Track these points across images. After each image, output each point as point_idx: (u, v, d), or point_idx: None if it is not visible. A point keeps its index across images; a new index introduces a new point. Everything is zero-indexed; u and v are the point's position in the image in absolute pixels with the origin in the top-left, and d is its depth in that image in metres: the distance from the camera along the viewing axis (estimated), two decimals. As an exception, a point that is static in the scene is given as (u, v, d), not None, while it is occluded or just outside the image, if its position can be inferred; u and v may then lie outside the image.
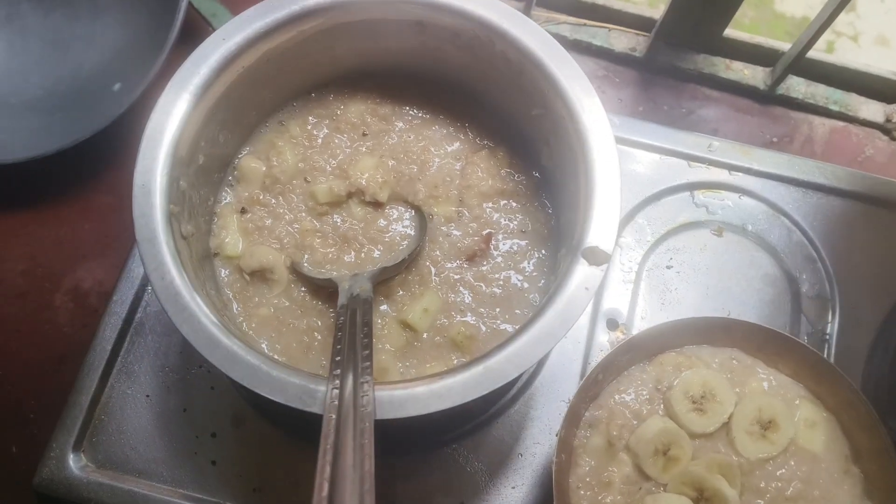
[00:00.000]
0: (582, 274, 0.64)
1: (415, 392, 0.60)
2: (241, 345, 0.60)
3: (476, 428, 0.84)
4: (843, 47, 1.90)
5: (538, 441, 0.83)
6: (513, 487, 0.82)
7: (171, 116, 0.67)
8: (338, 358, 0.61)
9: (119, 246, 0.95)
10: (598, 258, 0.64)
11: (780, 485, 0.72)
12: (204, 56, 0.69)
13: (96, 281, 0.94)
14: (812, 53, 1.09)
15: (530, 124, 0.77)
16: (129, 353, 0.85)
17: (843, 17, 2.32)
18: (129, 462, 0.80)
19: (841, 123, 1.13)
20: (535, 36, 0.71)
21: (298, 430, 0.81)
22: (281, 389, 0.59)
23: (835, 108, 1.11)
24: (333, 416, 0.56)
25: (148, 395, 0.83)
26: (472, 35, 0.73)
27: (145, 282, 0.87)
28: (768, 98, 1.12)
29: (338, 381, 0.58)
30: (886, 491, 0.71)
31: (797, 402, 0.75)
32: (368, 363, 0.61)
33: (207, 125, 0.71)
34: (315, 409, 0.58)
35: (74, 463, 0.79)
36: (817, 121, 1.13)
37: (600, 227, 0.65)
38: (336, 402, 0.57)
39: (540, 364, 0.87)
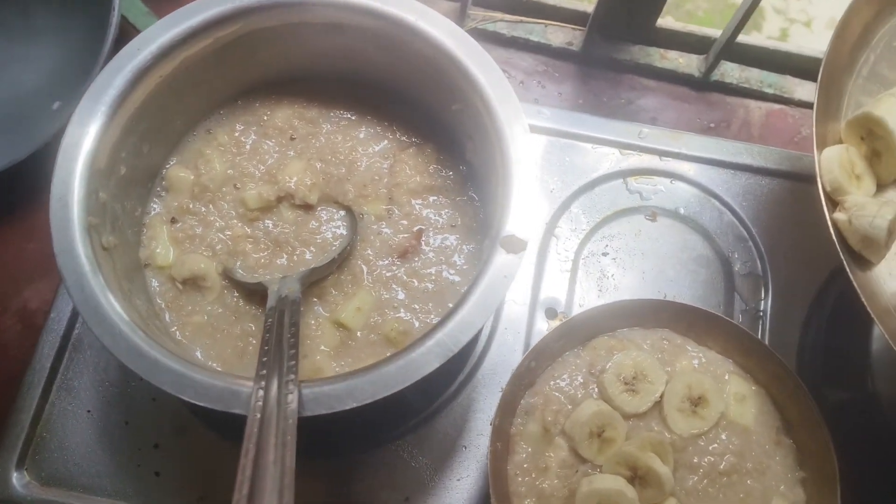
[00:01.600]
0: (500, 262, 0.65)
1: (337, 388, 0.61)
2: (164, 351, 0.61)
3: (420, 423, 0.84)
4: (797, 33, 1.94)
5: (481, 432, 0.84)
6: (458, 479, 0.82)
7: (87, 129, 0.67)
8: (264, 359, 0.62)
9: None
10: (515, 246, 0.65)
11: (713, 459, 0.73)
12: (118, 67, 0.69)
13: (43, 301, 0.94)
14: (744, 38, 1.11)
15: (453, 120, 0.78)
16: (69, 369, 0.84)
17: (795, 4, 2.37)
18: (72, 478, 0.80)
19: (777, 106, 1.15)
20: (449, 32, 0.73)
21: (241, 436, 0.81)
22: (205, 393, 0.60)
23: (769, 90, 1.14)
24: (258, 416, 0.57)
25: (89, 410, 0.83)
26: (390, 35, 0.74)
27: (82, 297, 0.86)
28: (704, 85, 1.14)
29: (263, 383, 0.59)
30: (817, 459, 0.73)
31: (727, 377, 0.76)
32: (294, 362, 0.61)
33: (127, 136, 0.71)
34: (238, 410, 0.59)
35: (17, 481, 0.79)
36: (753, 104, 1.15)
37: (517, 216, 0.66)
38: (260, 403, 0.58)
39: (481, 356, 0.88)
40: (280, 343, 0.63)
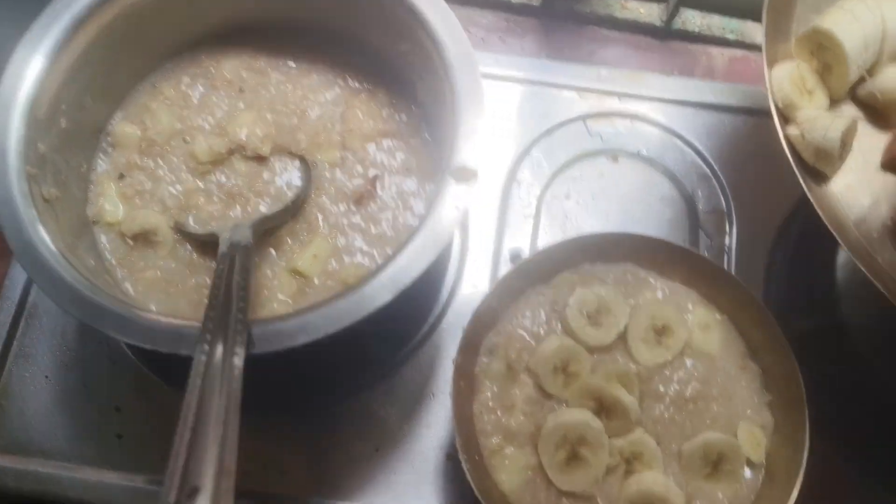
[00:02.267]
0: (451, 193, 0.64)
1: (289, 325, 0.59)
2: (108, 296, 0.59)
3: (386, 373, 0.83)
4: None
5: (449, 380, 0.82)
6: (427, 427, 0.81)
7: (24, 77, 0.65)
8: (214, 302, 0.60)
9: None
10: (465, 176, 0.64)
11: (678, 387, 0.72)
12: (55, 14, 0.68)
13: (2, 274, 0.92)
14: (704, -17, 1.10)
15: (403, 62, 0.77)
16: (25, 335, 0.83)
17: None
18: (32, 444, 0.79)
19: (739, 52, 1.14)
20: (395, -31, 0.71)
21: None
22: (151, 336, 0.58)
23: (731, 36, 1.13)
24: (203, 359, 0.54)
25: (47, 376, 0.81)
26: (332, -26, 0.73)
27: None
28: (666, 33, 1.13)
29: (211, 324, 0.57)
30: (783, 380, 0.72)
31: (690, 307, 0.76)
32: (243, 304, 0.60)
33: (68, 86, 0.69)
34: (185, 351, 0.57)
35: (-25, 451, 0.78)
36: (716, 51, 1.14)
37: (466, 146, 0.65)
38: (206, 346, 0.54)
39: (446, 304, 0.87)
40: (229, 288, 0.62)
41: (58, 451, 0.78)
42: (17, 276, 0.85)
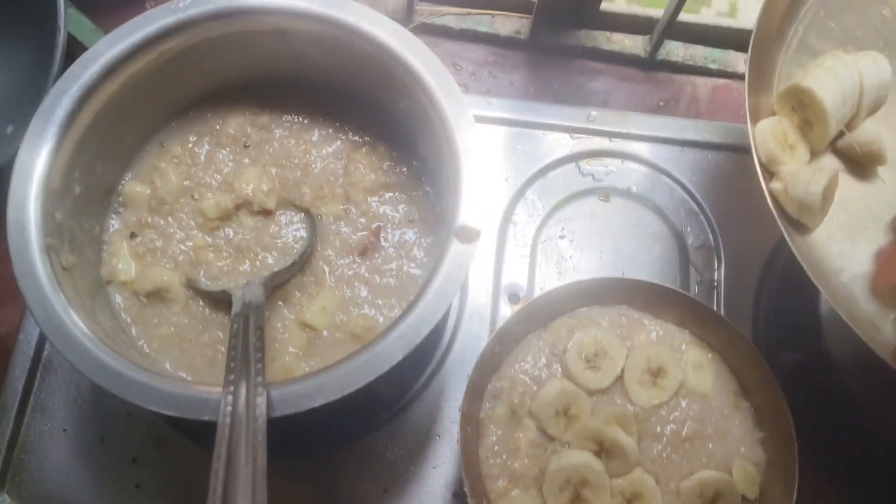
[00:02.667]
0: (455, 252, 0.67)
1: (305, 387, 0.62)
2: (130, 364, 0.62)
3: (393, 416, 0.86)
4: (745, 7, 1.97)
5: (454, 420, 0.86)
6: (434, 467, 0.84)
7: (38, 152, 0.67)
8: (232, 364, 0.63)
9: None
10: (468, 236, 0.67)
11: (675, 427, 0.76)
12: (64, 89, 0.70)
13: (11, 325, 0.94)
14: (687, 17, 1.14)
15: (403, 117, 0.80)
16: (42, 389, 0.85)
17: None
18: (52, 497, 0.81)
19: (722, 80, 1.18)
20: (390, 31, 0.74)
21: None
22: (173, 403, 0.61)
23: (714, 66, 1.17)
24: (228, 420, 0.58)
25: (65, 430, 0.84)
26: (332, 37, 0.76)
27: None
28: (650, 64, 1.16)
29: (231, 388, 0.60)
30: (774, 418, 0.76)
31: (684, 347, 0.79)
32: (261, 365, 0.63)
33: (79, 156, 0.71)
34: (207, 417, 0.60)
35: (-2, 505, 0.80)
36: (699, 80, 1.18)
37: (468, 207, 0.68)
38: (230, 408, 0.59)
39: (448, 346, 0.90)
40: (246, 348, 0.65)
41: (78, 503, 0.81)
42: (31, 329, 0.87)
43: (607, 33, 1.17)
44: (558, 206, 0.97)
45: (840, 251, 0.69)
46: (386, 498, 0.83)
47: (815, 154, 0.72)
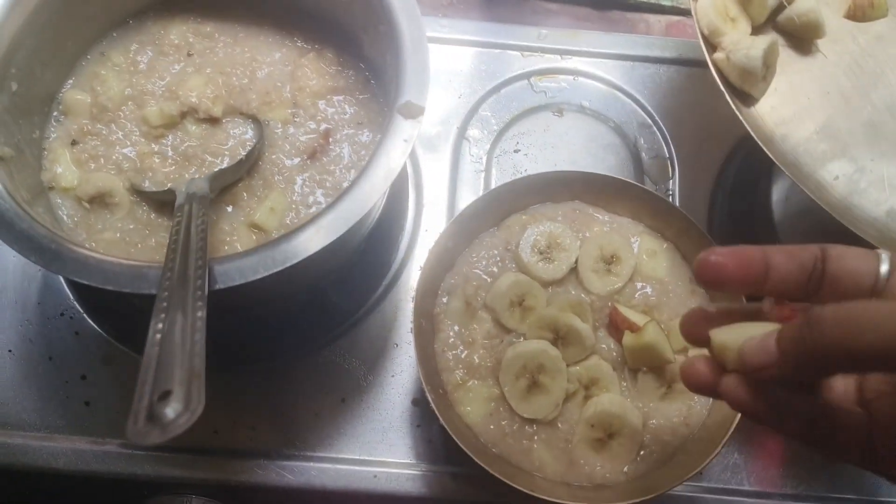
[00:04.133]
0: (399, 127, 0.66)
1: (247, 261, 0.61)
2: (67, 242, 0.60)
3: (350, 327, 0.85)
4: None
5: (412, 326, 0.85)
6: (392, 376, 0.83)
7: (-30, 38, 0.66)
8: (172, 257, 0.60)
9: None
10: (412, 111, 0.67)
11: (630, 313, 0.75)
12: (-4, -21, 0.68)
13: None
14: (636, -44, 1.15)
15: (347, 16, 0.79)
16: (-15, 311, 0.83)
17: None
18: (0, 417, 0.79)
19: (675, 17, 1.18)
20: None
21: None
22: (113, 278, 0.59)
23: (667, 3, 1.17)
24: (161, 323, 0.52)
25: (10, 350, 0.81)
26: (275, -68, 0.75)
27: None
28: (603, 3, 1.17)
29: (172, 265, 0.58)
30: (727, 301, 0.76)
31: (637, 237, 0.79)
32: (203, 244, 0.61)
33: (16, 51, 0.70)
34: (149, 290, 0.58)
35: (-60, 426, 0.77)
36: (653, 18, 1.18)
37: (411, 84, 0.68)
38: (168, 283, 0.55)
39: (404, 259, 0.89)
40: (188, 234, 0.63)
41: (27, 423, 0.79)
42: (-26, 254, 0.85)
43: (560, -27, 1.17)
44: (512, 122, 0.97)
45: (783, 120, 0.69)
46: (344, 407, 0.82)
47: (756, 28, 0.73)
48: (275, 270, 0.61)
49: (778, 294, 0.48)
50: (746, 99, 0.70)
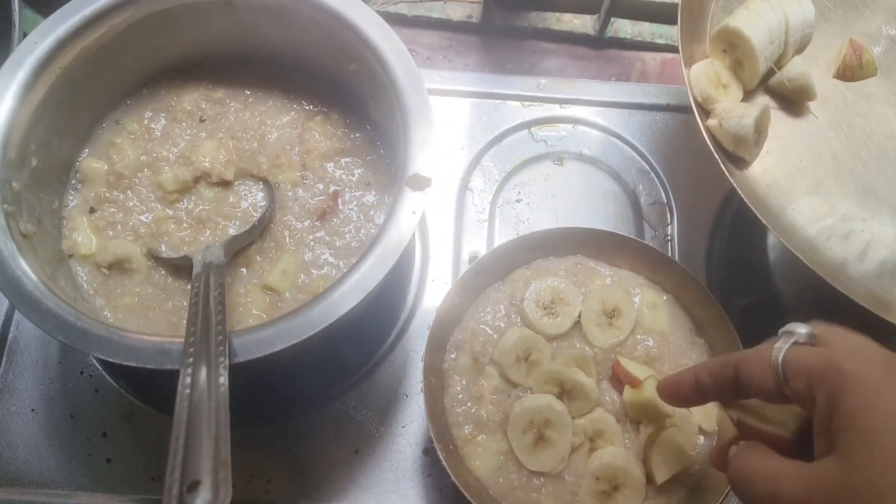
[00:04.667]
0: (408, 200, 0.69)
1: (266, 333, 0.64)
2: (91, 320, 0.63)
3: (360, 379, 0.88)
4: None
5: (421, 380, 0.87)
6: (403, 426, 0.86)
7: (-5, 120, 0.69)
8: (193, 318, 0.64)
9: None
10: (420, 184, 0.69)
11: (633, 366, 0.78)
12: (18, 62, 0.71)
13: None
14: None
15: (354, 82, 0.82)
16: (8, 371, 0.85)
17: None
18: (24, 475, 0.81)
19: (670, 55, 1.21)
20: (336, -4, 0.76)
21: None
22: (136, 354, 0.62)
23: (661, 41, 1.20)
24: (185, 403, 0.55)
25: (33, 409, 0.84)
26: (280, 5, 0.78)
27: (12, 300, 0.88)
28: (600, 42, 1.20)
29: (193, 339, 0.61)
30: (727, 351, 0.78)
31: (638, 290, 0.82)
32: (221, 316, 0.64)
33: (35, 128, 0.73)
34: (172, 366, 0.61)
35: (-33, 486, 0.80)
36: (648, 56, 1.21)
37: (419, 156, 0.70)
38: (188, 390, 0.56)
39: (412, 310, 0.92)
40: (207, 305, 0.66)
41: (50, 480, 0.81)
42: (-5, 313, 0.88)
43: (557, 14, 1.20)
44: (514, 172, 0.99)
45: (775, 182, 0.72)
46: (357, 458, 0.84)
47: (747, 93, 0.76)
48: (292, 343, 0.63)
49: (716, 400, 0.61)
50: (739, 162, 0.72)
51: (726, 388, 0.57)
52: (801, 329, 0.54)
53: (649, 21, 1.21)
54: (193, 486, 0.47)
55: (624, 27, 1.20)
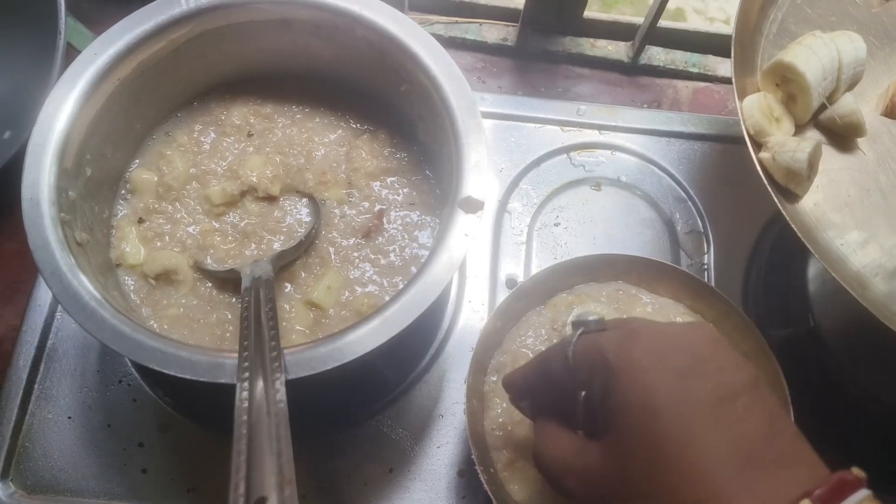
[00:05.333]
0: (460, 222, 0.69)
1: (318, 351, 0.64)
2: (146, 332, 0.63)
3: (396, 398, 0.88)
4: (717, 29, 2.06)
5: (457, 401, 0.88)
6: (438, 447, 0.86)
7: (53, 130, 0.69)
8: (245, 332, 0.64)
9: (28, 289, 0.95)
10: (473, 206, 0.70)
11: (674, 395, 0.78)
12: (79, 72, 0.72)
13: (9, 327, 0.94)
14: (666, 23, 1.19)
15: (403, 102, 0.83)
16: (46, 378, 0.85)
17: (713, 4, 2.51)
18: (59, 483, 0.81)
19: (702, 84, 1.22)
20: (389, 16, 0.77)
21: (224, 425, 0.83)
22: (190, 367, 0.62)
23: (694, 70, 1.21)
24: (245, 418, 0.55)
25: (70, 417, 0.84)
26: (333, 25, 0.79)
27: (54, 307, 0.88)
28: (633, 69, 1.21)
29: (246, 353, 0.61)
30: (769, 385, 0.78)
31: (679, 318, 0.82)
32: (274, 331, 0.64)
33: (91, 138, 0.73)
34: (225, 380, 0.61)
35: (3, 492, 0.80)
36: (681, 84, 1.22)
37: (471, 179, 0.71)
38: (246, 404, 0.57)
39: (448, 331, 0.92)
40: (259, 320, 0.66)
41: (85, 489, 0.81)
42: (35, 320, 0.88)
43: (591, 40, 1.21)
44: (552, 196, 1.00)
45: (827, 218, 0.72)
46: (391, 477, 0.84)
47: (799, 127, 0.76)
48: (343, 362, 0.63)
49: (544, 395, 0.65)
50: (790, 196, 0.73)
51: (547, 384, 0.62)
52: (591, 317, 0.59)
53: (682, 50, 1.22)
54: (260, 502, 0.47)
55: (657, 55, 1.21)
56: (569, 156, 1.02)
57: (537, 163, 1.02)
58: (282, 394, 0.58)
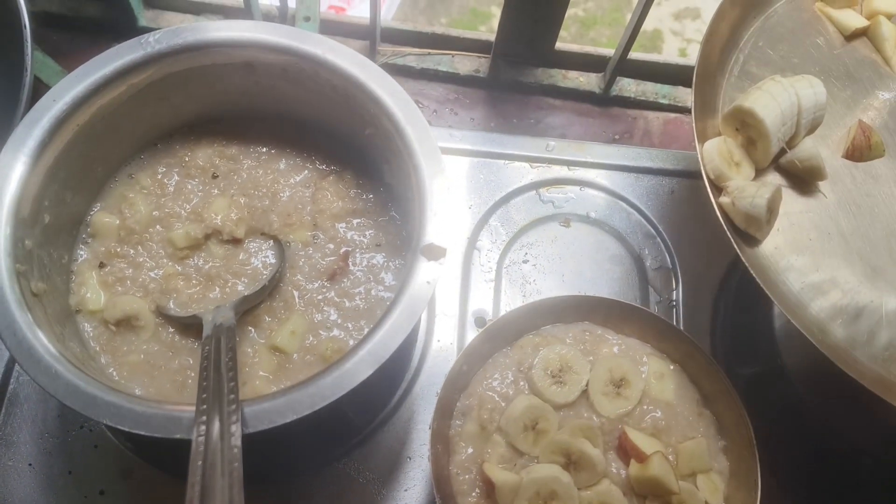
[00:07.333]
0: (422, 269, 0.69)
1: (277, 403, 0.63)
2: (100, 385, 0.62)
3: (364, 440, 0.87)
4: (695, 51, 2.08)
5: (424, 442, 0.87)
6: (405, 490, 0.85)
7: (9, 180, 0.69)
8: (204, 384, 0.63)
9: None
10: (435, 253, 0.69)
11: (640, 437, 0.78)
12: (36, 119, 0.71)
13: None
14: (637, 55, 1.19)
15: (368, 144, 0.83)
16: (7, 424, 0.84)
17: (691, 25, 2.53)
18: (17, 533, 0.80)
19: (672, 115, 1.23)
20: (355, 62, 0.77)
21: (186, 470, 0.82)
22: (145, 422, 0.61)
23: (664, 101, 1.22)
24: (202, 439, 0.57)
25: (30, 464, 0.83)
26: (299, 69, 0.79)
27: (14, 352, 0.87)
28: (605, 100, 1.21)
29: (205, 406, 0.61)
30: (734, 427, 0.78)
31: (645, 359, 0.82)
32: (233, 383, 0.63)
33: (49, 185, 0.73)
34: (180, 435, 0.60)
35: (-41, 544, 0.78)
36: (651, 115, 1.23)
37: (434, 227, 0.71)
38: (203, 427, 0.58)
39: (417, 370, 0.91)
40: (218, 369, 0.65)
41: (43, 538, 0.80)
42: (-5, 365, 0.86)
43: (563, 71, 1.22)
44: (521, 233, 1.00)
45: (787, 261, 0.73)
46: (358, 522, 0.83)
47: (759, 171, 0.77)
48: (303, 414, 0.63)
49: None
50: (750, 240, 0.73)
51: None
52: None
53: (653, 81, 1.23)
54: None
55: (628, 86, 1.21)
56: (538, 192, 1.02)
57: (506, 199, 1.02)
58: (238, 449, 0.57)
